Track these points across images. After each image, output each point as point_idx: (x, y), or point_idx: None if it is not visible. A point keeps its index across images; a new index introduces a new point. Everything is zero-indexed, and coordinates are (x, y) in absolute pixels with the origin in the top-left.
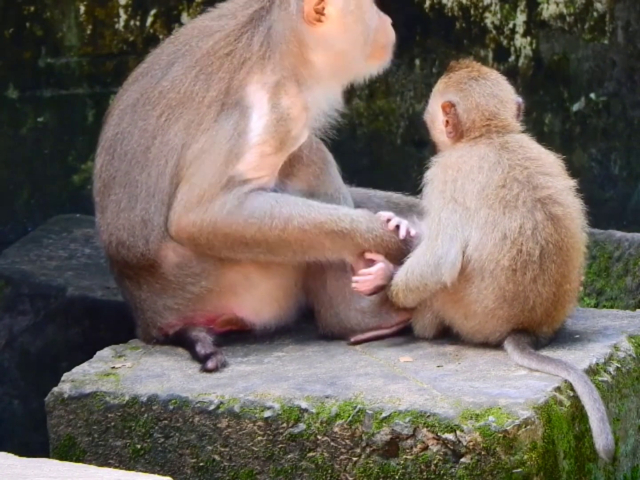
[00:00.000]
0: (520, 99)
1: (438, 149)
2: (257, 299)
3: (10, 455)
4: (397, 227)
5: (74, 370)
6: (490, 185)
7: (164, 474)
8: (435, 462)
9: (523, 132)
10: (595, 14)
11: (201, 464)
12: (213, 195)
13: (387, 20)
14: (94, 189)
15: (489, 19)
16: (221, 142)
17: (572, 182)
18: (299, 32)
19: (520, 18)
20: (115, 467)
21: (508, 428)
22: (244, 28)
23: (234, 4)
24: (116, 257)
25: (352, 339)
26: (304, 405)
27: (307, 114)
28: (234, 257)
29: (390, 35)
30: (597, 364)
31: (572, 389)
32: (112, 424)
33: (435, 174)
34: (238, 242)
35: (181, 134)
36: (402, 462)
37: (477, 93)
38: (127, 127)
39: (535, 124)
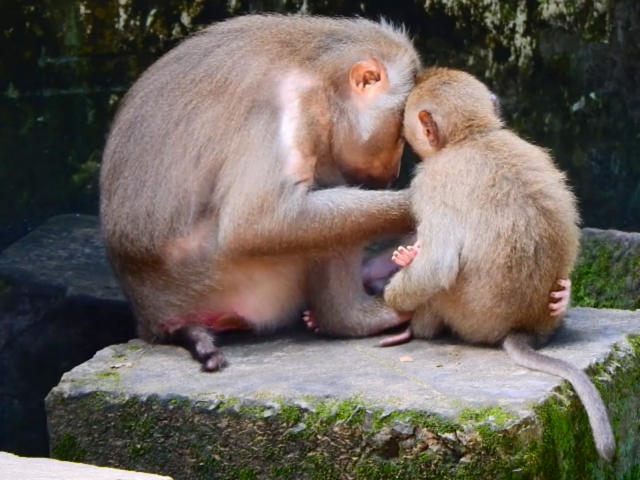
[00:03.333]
0: (494, 97)
1: (422, 159)
2: (260, 298)
3: (10, 455)
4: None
5: (74, 370)
6: (479, 186)
7: (164, 474)
8: (435, 461)
9: (504, 127)
10: (595, 13)
11: (201, 463)
12: (273, 204)
13: (398, 156)
14: (103, 173)
15: (489, 19)
16: (256, 145)
17: (560, 175)
18: (348, 77)
19: (520, 18)
20: (115, 467)
21: (508, 428)
22: (318, 32)
23: (328, 18)
24: (119, 249)
25: (382, 342)
26: (304, 405)
27: (330, 128)
28: (287, 259)
29: (390, 170)
30: (597, 364)
31: (572, 389)
32: (112, 423)
33: (423, 181)
34: (300, 246)
35: (209, 126)
36: (402, 461)
37: (452, 96)
38: (149, 111)
39: (535, 124)
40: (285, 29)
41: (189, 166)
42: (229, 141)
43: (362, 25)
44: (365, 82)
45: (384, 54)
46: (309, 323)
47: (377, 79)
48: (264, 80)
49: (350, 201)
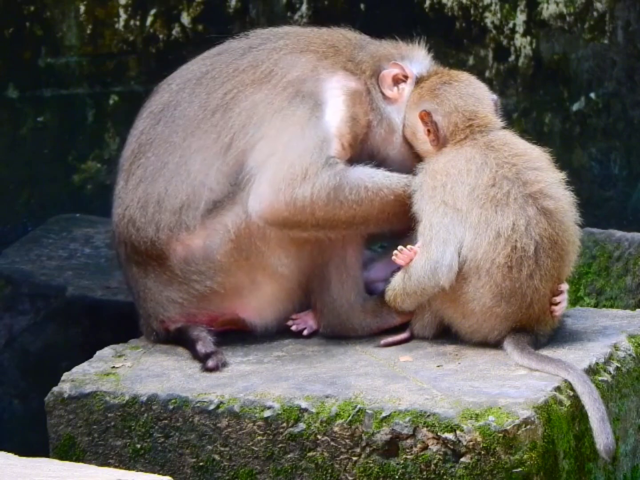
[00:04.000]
0: (495, 96)
1: (423, 159)
2: (261, 301)
3: (10, 455)
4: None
5: (74, 370)
6: (479, 185)
7: (164, 474)
8: (435, 461)
9: (504, 127)
10: (595, 13)
11: (201, 463)
12: (317, 172)
13: None
14: (125, 154)
15: (489, 19)
16: (303, 123)
17: (561, 175)
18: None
19: (520, 18)
20: (115, 466)
21: (508, 428)
22: (352, 38)
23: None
24: (124, 235)
25: (383, 342)
26: (304, 405)
27: (367, 131)
28: (312, 235)
29: None
30: (597, 364)
31: (572, 389)
32: (112, 423)
33: (424, 181)
34: (330, 221)
35: (246, 112)
36: (402, 461)
37: (452, 96)
38: (186, 97)
39: (535, 124)
40: (325, 32)
41: (218, 153)
42: (267, 122)
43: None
44: (397, 85)
45: (402, 55)
46: (292, 327)
47: (405, 79)
48: (310, 75)
49: (382, 177)
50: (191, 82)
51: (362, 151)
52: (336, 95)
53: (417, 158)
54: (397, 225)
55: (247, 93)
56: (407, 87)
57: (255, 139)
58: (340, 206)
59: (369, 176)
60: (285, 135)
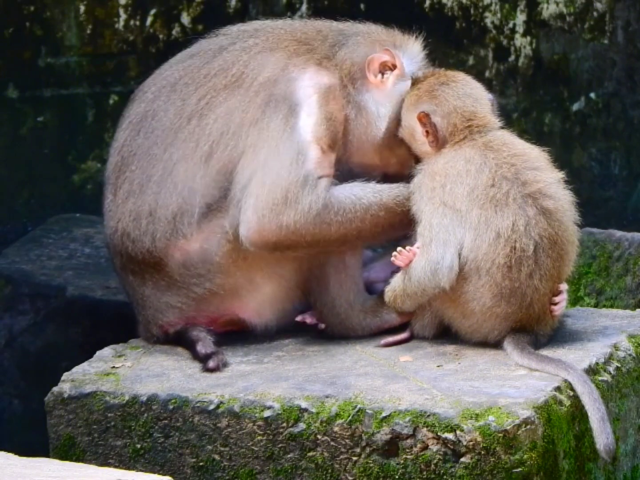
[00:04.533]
0: (491, 96)
1: (421, 160)
2: (260, 301)
3: (10, 455)
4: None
5: (74, 370)
6: (479, 186)
7: (164, 474)
8: (435, 461)
9: (503, 127)
10: (595, 13)
11: (201, 463)
12: (297, 195)
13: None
14: (109, 167)
15: (489, 19)
16: (276, 138)
17: (560, 175)
18: (364, 71)
19: (520, 18)
20: (115, 466)
21: (508, 428)
22: (329, 31)
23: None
24: (120, 247)
25: (383, 342)
26: (303, 405)
27: (346, 126)
28: (306, 253)
29: (407, 167)
30: (597, 364)
31: (572, 389)
32: (112, 423)
33: (422, 182)
34: (322, 240)
35: (221, 120)
36: (402, 461)
37: (451, 97)
38: (162, 105)
39: (535, 123)
40: (299, 29)
41: (199, 162)
42: (245, 135)
43: (368, 24)
44: (382, 73)
45: (395, 43)
46: (307, 320)
47: (393, 68)
48: (281, 75)
49: (370, 194)
50: (166, 89)
51: (346, 146)
52: (309, 95)
53: (401, 142)
54: (394, 234)
55: (220, 99)
56: (391, 78)
57: (235, 153)
58: (329, 228)
59: (354, 195)
60: (262, 153)
